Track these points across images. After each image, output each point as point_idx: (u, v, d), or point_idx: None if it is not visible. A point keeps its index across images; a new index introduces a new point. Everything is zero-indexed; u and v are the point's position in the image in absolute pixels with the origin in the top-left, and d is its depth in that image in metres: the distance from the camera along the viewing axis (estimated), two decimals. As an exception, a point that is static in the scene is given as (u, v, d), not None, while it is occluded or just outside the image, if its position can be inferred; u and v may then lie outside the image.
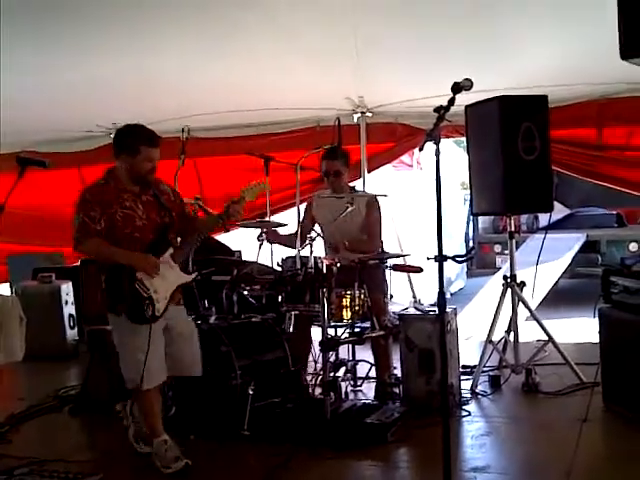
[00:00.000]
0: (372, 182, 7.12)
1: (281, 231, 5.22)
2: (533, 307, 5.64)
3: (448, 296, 9.72)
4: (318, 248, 4.89)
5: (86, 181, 8.12)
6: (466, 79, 3.17)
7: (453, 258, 3.23)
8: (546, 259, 6.96)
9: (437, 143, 3.05)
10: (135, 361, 3.81)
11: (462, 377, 5.14)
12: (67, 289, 7.25)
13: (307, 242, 4.66)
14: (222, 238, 6.47)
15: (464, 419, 4.65)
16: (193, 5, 4.91)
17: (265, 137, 7.33)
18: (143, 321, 3.82)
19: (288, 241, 5.09)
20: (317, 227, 5.26)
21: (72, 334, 7.21)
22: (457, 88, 3.13)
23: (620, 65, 3.21)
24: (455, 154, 11.44)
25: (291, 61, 5.74)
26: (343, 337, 4.71)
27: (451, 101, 3.12)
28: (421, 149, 3.16)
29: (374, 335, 4.78)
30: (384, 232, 5.24)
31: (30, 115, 6.30)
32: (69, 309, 7.25)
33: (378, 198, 5.22)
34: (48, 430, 4.94)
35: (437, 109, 3.10)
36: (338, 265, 4.59)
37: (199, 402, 4.04)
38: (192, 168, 7.56)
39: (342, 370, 5.17)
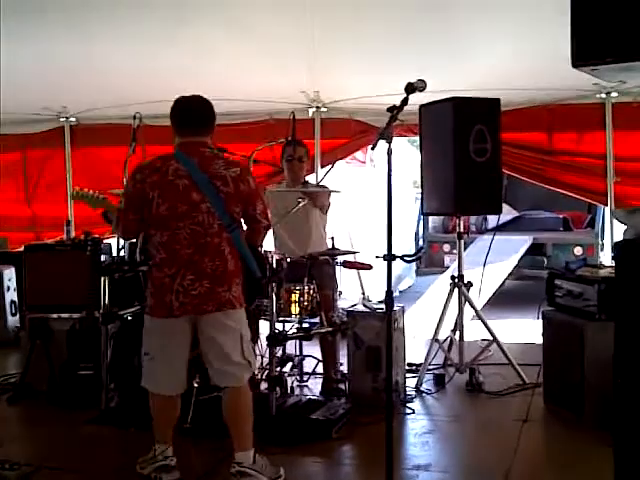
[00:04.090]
0: (325, 177, 7.11)
1: None
2: (479, 307, 5.72)
3: (396, 294, 9.80)
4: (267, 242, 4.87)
5: (29, 165, 7.92)
6: (420, 80, 3.17)
7: (402, 257, 3.24)
8: (493, 260, 7.07)
9: (389, 142, 3.04)
10: None
11: (407, 375, 5.19)
12: (9, 274, 7.06)
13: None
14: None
15: (408, 417, 4.69)
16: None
17: (217, 128, 7.23)
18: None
19: None
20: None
21: (13, 321, 7.02)
22: (411, 89, 3.13)
23: (571, 72, 3.25)
24: (408, 152, 11.52)
25: (245, 52, 5.67)
26: (291, 332, 4.70)
27: (404, 101, 3.12)
28: (373, 147, 3.14)
29: (322, 332, 4.77)
30: (335, 229, 5.24)
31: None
32: (11, 295, 7.07)
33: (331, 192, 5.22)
34: (-15, 419, 4.83)
35: (390, 109, 3.09)
36: (288, 260, 4.57)
37: (141, 394, 3.97)
38: (142, 156, 7.43)
39: (289, 365, 5.16)
